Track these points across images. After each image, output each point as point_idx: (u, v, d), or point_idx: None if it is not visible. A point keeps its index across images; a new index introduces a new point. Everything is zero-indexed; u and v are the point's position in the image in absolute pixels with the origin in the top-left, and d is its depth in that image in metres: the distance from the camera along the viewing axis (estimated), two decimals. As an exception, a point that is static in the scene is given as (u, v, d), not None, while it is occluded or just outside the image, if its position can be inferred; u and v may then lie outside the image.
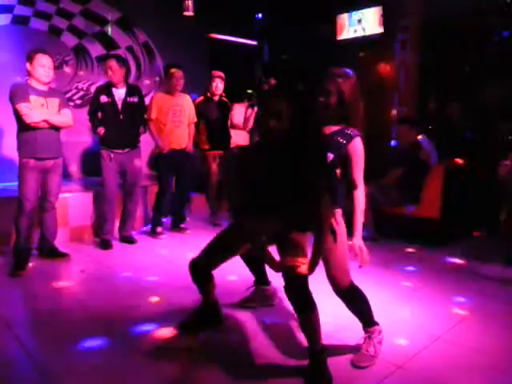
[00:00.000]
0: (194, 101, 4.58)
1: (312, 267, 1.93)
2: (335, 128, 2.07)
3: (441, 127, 5.15)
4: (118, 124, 3.91)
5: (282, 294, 2.57)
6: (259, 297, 2.76)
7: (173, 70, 4.23)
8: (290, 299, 1.96)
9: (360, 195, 2.06)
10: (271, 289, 2.78)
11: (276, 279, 2.66)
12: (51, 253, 3.62)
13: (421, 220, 4.15)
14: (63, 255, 3.63)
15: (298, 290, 1.94)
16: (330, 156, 2.02)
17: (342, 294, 2.11)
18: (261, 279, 2.76)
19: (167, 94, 4.32)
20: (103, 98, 3.89)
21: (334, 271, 2.06)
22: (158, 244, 4.18)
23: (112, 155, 3.93)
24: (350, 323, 2.26)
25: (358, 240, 2.05)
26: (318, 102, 2.06)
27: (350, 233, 2.09)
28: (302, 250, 1.97)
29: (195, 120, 4.50)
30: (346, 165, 2.05)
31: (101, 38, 5.57)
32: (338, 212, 2.09)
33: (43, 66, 3.28)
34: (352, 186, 2.06)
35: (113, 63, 3.92)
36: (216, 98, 4.67)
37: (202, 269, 2.26)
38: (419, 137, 4.53)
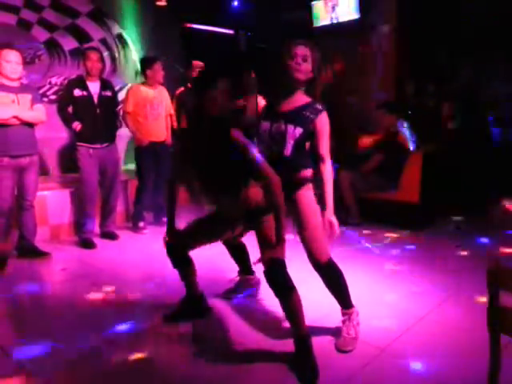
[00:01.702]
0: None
1: (278, 242, 1.94)
2: (303, 101, 2.09)
3: (418, 112, 5.20)
4: (95, 118, 3.83)
5: (266, 285, 2.60)
6: (243, 287, 2.77)
7: (153, 63, 4.18)
8: (269, 283, 1.98)
9: (328, 169, 2.09)
10: (255, 278, 2.79)
11: (259, 270, 2.68)
12: (31, 252, 3.55)
13: (401, 204, 4.21)
14: (44, 254, 3.57)
15: (277, 273, 1.96)
16: (299, 130, 2.04)
17: (320, 269, 2.12)
18: (245, 269, 2.77)
19: (144, 86, 4.26)
20: (77, 92, 3.79)
21: (310, 246, 2.08)
22: (141, 239, 4.15)
23: (91, 151, 3.85)
24: (332, 309, 2.29)
25: (329, 214, 2.07)
26: (288, 64, 2.05)
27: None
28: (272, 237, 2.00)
29: (172, 112, 4.47)
30: (312, 138, 2.08)
31: (73, 30, 5.42)
32: (309, 186, 2.11)
33: (9, 62, 3.19)
34: (319, 160, 2.08)
35: (94, 55, 3.84)
36: (197, 89, 4.62)
37: (179, 250, 2.31)
38: (398, 122, 4.57)
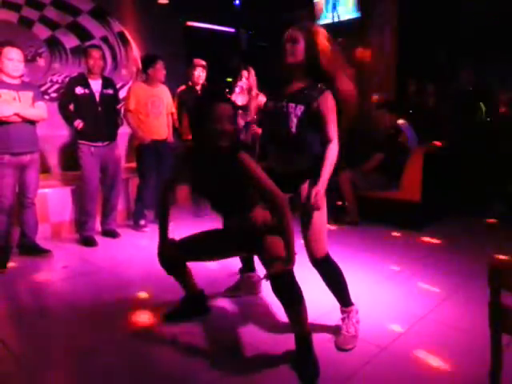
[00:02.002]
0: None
1: (290, 260, 1.90)
2: (304, 84, 2.06)
3: (419, 111, 5.20)
4: (97, 116, 3.83)
5: (267, 283, 2.59)
6: (244, 285, 2.77)
7: (155, 62, 4.17)
8: (275, 294, 1.94)
9: (333, 148, 2.03)
10: (256, 275, 2.79)
11: (262, 269, 2.68)
12: (32, 250, 3.56)
13: (402, 203, 4.21)
14: (45, 252, 3.57)
15: (285, 287, 1.91)
16: (301, 108, 2.01)
17: (317, 263, 2.12)
18: (248, 266, 2.77)
19: (146, 84, 4.26)
20: (79, 90, 3.79)
21: (309, 240, 2.09)
22: (142, 237, 4.15)
23: (92, 149, 3.85)
24: (332, 307, 2.29)
25: (320, 186, 2.00)
26: (283, 50, 2.04)
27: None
28: (279, 252, 1.97)
29: (173, 110, 4.47)
30: (317, 119, 2.02)
31: (74, 28, 5.42)
32: (307, 183, 2.09)
33: (12, 60, 3.18)
34: (326, 141, 2.04)
35: (95, 53, 3.84)
36: (198, 87, 4.62)
37: (173, 261, 2.29)
38: (399, 121, 4.57)
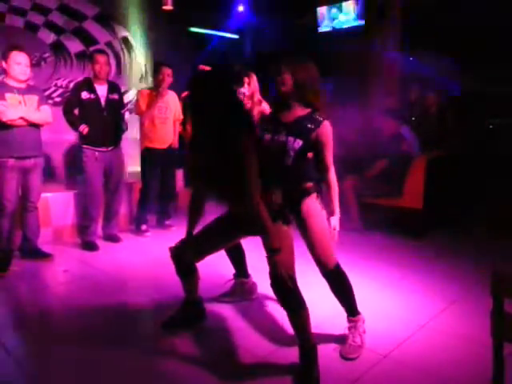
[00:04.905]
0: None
1: (276, 263, 1.86)
2: (303, 112, 2.09)
3: (422, 118, 5.20)
4: (102, 121, 3.83)
5: (262, 288, 2.59)
6: (239, 290, 2.76)
7: (160, 68, 4.18)
8: (277, 297, 1.94)
9: (333, 177, 2.13)
10: (250, 282, 2.78)
11: (256, 273, 2.66)
12: (34, 253, 3.56)
13: (404, 211, 4.20)
14: (46, 256, 3.57)
15: (286, 288, 1.87)
16: (299, 143, 2.04)
17: (328, 275, 2.14)
18: (241, 272, 2.76)
19: (153, 90, 4.26)
20: (85, 95, 3.80)
21: (317, 252, 2.10)
22: (143, 242, 4.15)
23: (97, 154, 3.85)
24: (336, 314, 2.28)
25: (335, 220, 2.13)
26: (276, 80, 2.08)
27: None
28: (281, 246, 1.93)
29: (181, 117, 4.44)
30: (316, 148, 2.09)
31: (79, 33, 5.46)
32: (314, 195, 2.12)
33: (19, 64, 3.21)
34: (324, 169, 2.12)
35: (102, 58, 3.85)
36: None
37: (188, 261, 2.27)
38: (402, 128, 4.57)
